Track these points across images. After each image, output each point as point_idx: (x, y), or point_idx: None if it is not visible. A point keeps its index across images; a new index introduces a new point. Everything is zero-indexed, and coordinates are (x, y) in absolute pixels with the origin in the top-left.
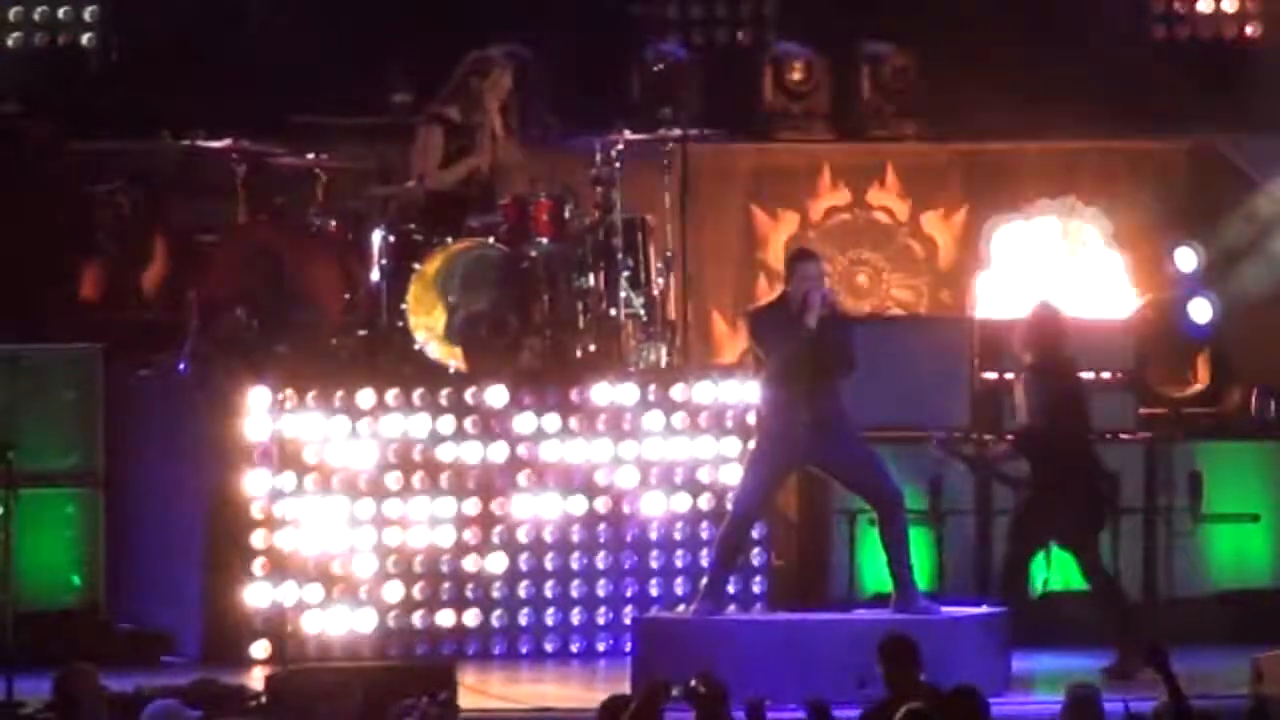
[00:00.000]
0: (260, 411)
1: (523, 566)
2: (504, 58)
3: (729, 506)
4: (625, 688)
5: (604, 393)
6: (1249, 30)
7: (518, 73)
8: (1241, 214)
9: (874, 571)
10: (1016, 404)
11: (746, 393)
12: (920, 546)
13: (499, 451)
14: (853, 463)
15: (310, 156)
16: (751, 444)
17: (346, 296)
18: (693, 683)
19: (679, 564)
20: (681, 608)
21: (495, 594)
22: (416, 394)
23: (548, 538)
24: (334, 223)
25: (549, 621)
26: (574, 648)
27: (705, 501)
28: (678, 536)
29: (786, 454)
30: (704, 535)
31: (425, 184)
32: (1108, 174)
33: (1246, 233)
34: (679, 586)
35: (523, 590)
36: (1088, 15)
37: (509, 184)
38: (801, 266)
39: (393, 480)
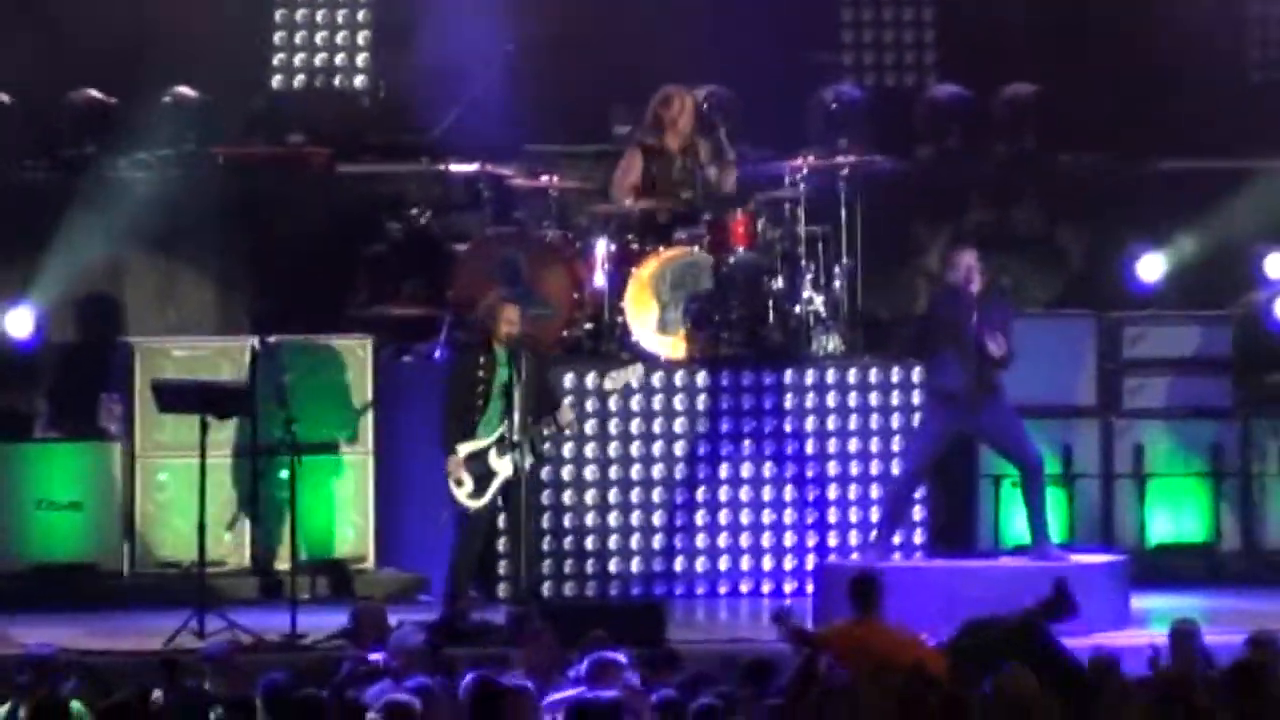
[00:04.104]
0: None
1: (722, 521)
2: (686, 92)
3: (894, 470)
4: (808, 623)
5: (790, 375)
6: None
7: (710, 105)
8: None
9: (1014, 526)
10: None
11: (907, 375)
12: (1054, 504)
13: (703, 424)
14: (1007, 428)
15: (544, 179)
16: (923, 410)
17: (575, 296)
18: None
19: (853, 519)
20: (855, 555)
21: (699, 544)
22: (634, 377)
23: (744, 497)
24: (565, 234)
25: (744, 567)
26: (765, 589)
27: (874, 466)
28: (852, 496)
29: (953, 415)
30: (873, 495)
31: (622, 203)
32: (1211, 193)
33: None
34: (853, 537)
35: (723, 540)
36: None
37: (713, 205)
38: (957, 255)
39: (614, 449)
